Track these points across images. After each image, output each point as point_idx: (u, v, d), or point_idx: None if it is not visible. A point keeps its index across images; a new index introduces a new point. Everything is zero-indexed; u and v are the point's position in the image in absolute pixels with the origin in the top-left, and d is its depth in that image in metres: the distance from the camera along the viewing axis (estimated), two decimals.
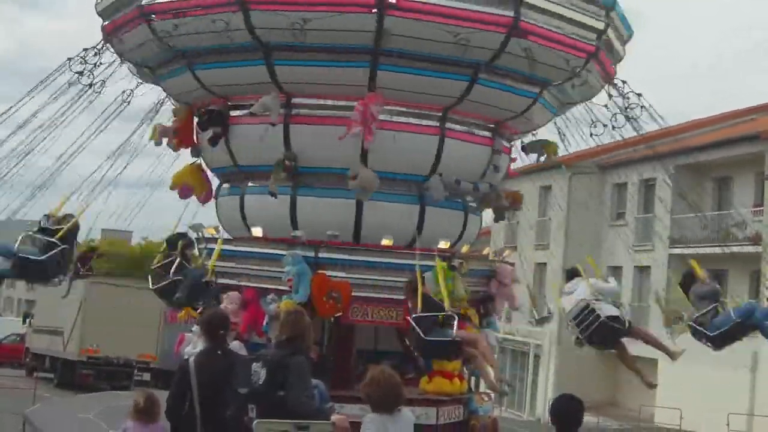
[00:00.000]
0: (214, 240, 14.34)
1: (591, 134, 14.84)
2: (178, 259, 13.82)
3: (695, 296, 12.71)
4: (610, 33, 13.56)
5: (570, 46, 12.96)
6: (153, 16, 13.00)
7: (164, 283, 13.87)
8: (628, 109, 14.34)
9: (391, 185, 13.24)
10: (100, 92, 14.55)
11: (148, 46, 13.39)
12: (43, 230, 12.76)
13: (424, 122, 13.49)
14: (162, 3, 13.03)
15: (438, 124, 13.48)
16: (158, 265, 14.20)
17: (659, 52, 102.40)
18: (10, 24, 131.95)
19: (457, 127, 13.67)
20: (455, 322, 11.43)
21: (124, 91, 15.04)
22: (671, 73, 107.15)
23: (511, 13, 12.35)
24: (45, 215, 13.09)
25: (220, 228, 14.70)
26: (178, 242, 14.08)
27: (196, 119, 14.25)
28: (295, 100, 13.25)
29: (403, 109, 13.25)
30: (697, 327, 12.16)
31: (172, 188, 14.78)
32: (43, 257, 12.51)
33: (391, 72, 12.71)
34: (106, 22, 13.99)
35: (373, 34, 12.22)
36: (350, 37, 12.28)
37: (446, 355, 12.03)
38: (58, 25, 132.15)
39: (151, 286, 14.18)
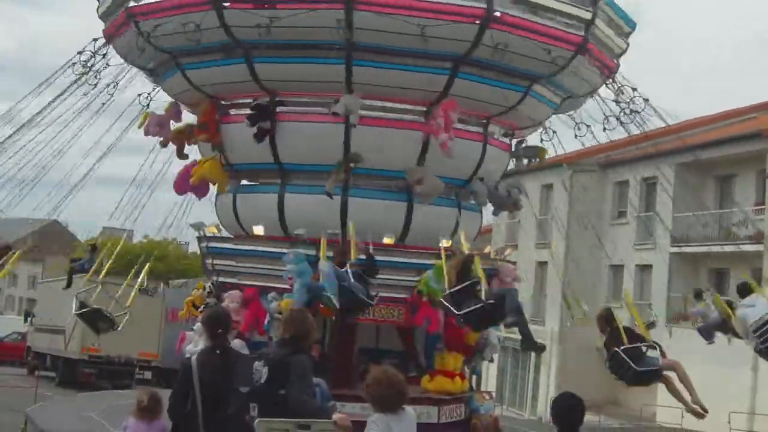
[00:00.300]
0: (215, 239, 14.35)
1: (604, 129, 14.75)
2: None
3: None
4: (602, 24, 13.36)
5: (552, 37, 12.85)
6: (137, 17, 13.12)
7: None
8: (630, 103, 14.32)
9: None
10: (112, 96, 14.64)
11: (139, 47, 13.44)
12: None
13: (470, 128, 13.71)
14: (143, 4, 13.14)
15: (481, 130, 13.74)
16: None
17: (661, 49, 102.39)
18: (11, 23, 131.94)
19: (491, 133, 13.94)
20: (659, 350, 11.73)
21: (140, 95, 15.20)
22: (673, 70, 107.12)
23: (484, 5, 12.30)
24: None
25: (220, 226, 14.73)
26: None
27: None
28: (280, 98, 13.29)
29: (389, 105, 13.31)
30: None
31: (193, 183, 14.47)
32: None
33: (367, 67, 12.70)
34: (133, 3, 13.92)
35: (469, 44, 12.29)
36: (321, 33, 12.25)
37: (651, 382, 12.41)
38: (62, 22, 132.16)
39: None
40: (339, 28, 12.06)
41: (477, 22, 12.26)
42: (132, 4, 13.21)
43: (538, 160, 15.89)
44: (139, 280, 15.69)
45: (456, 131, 13.13)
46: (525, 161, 15.91)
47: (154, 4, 12.97)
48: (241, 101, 13.72)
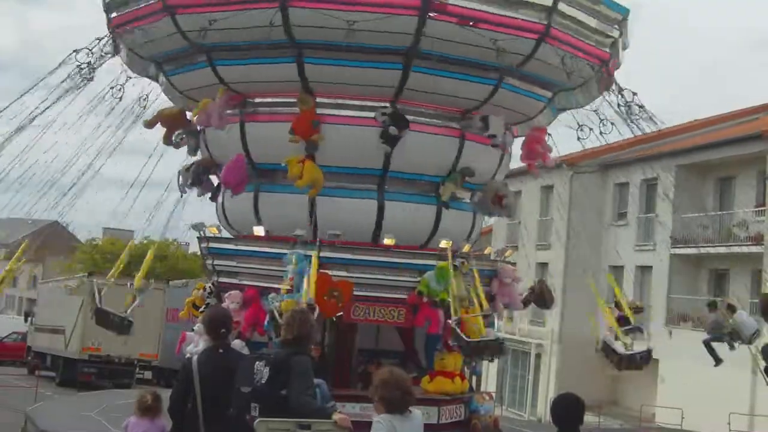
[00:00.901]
0: (216, 239, 14.37)
1: (601, 133, 14.69)
2: None
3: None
4: (569, 9, 13.16)
5: (591, 54, 12.92)
6: (177, 10, 13.01)
7: None
8: (628, 106, 14.29)
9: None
10: (121, 97, 14.66)
11: (167, 40, 13.30)
12: None
13: (448, 124, 13.64)
14: (119, 16, 13.22)
15: (459, 127, 13.61)
16: None
17: (663, 51, 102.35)
18: (13, 20, 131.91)
19: (417, 118, 13.54)
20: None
21: (141, 96, 15.19)
22: (674, 71, 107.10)
23: (544, 21, 12.42)
24: None
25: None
26: None
27: None
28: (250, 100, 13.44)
29: (431, 111, 13.38)
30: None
31: (303, 185, 14.34)
32: None
33: (319, 65, 12.75)
34: (114, 15, 13.92)
35: (412, 36, 12.26)
36: (390, 38, 12.32)
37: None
38: (65, 20, 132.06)
39: None
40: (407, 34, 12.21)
41: (535, 36, 12.42)
42: (114, 14, 13.36)
43: None
44: (135, 282, 15.69)
45: (428, 127, 13.34)
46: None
47: (127, 14, 13.12)
48: (269, 100, 13.70)
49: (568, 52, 13.26)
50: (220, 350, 7.73)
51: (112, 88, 14.47)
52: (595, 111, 14.89)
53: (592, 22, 13.63)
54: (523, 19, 12.70)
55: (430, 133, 13.53)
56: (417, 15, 12.17)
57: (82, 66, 14.09)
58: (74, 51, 14.22)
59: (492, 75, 13.29)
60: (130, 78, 14.66)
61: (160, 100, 15.27)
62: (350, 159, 13.23)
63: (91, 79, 14.27)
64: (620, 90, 14.36)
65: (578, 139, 15.04)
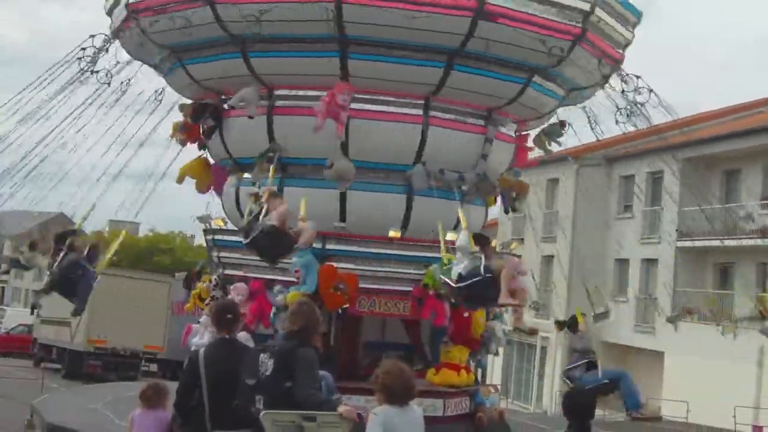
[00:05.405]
0: (222, 231, 14.39)
1: (616, 122, 14.65)
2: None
3: (570, 348, 13.32)
4: (602, 14, 13.19)
5: (548, 28, 12.74)
6: (138, 14, 13.15)
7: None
8: (635, 93, 14.25)
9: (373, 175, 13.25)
10: (125, 92, 14.67)
11: (143, 44, 13.49)
12: None
13: (407, 110, 13.30)
14: (142, 1, 13.18)
15: (421, 113, 13.35)
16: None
17: (670, 44, 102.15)
18: (22, 14, 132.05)
19: (444, 115, 13.49)
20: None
21: (157, 91, 15.20)
22: (682, 64, 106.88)
23: (580, 24, 12.44)
24: None
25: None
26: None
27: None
28: (278, 92, 13.29)
29: (385, 98, 13.16)
30: (567, 380, 12.72)
31: (178, 182, 14.87)
32: None
33: (363, 60, 12.69)
34: (111, 22, 14.06)
35: (463, 37, 12.26)
36: (441, 37, 12.30)
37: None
38: (73, 15, 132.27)
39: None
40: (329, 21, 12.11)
41: (471, 14, 12.20)
42: (132, 0, 13.29)
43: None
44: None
45: (453, 123, 13.27)
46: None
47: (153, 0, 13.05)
48: (297, 93, 13.55)
49: (597, 56, 13.36)
50: (227, 343, 7.74)
51: (97, 71, 14.42)
52: (588, 108, 14.98)
53: (617, 27, 13.79)
54: (561, 22, 12.74)
55: (456, 129, 13.52)
56: (471, 16, 12.19)
57: (86, 57, 14.12)
58: (90, 36, 14.30)
59: (522, 74, 13.34)
60: (119, 63, 14.63)
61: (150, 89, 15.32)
62: (384, 154, 13.19)
63: (94, 65, 14.28)
64: (634, 84, 14.36)
65: (592, 129, 15.09)
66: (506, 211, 16.16)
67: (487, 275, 11.25)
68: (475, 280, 11.30)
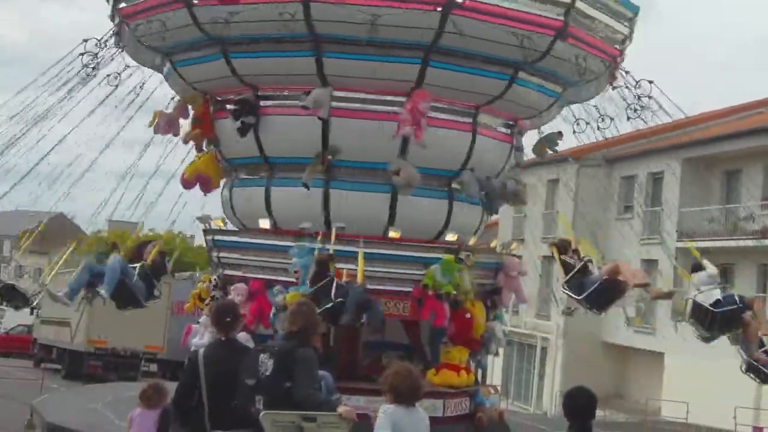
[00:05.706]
0: (221, 231, 14.37)
1: (628, 118, 14.66)
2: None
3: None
4: (586, 8, 13.08)
5: (603, 51, 12.91)
6: (128, 18, 13.14)
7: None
8: (636, 91, 14.25)
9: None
10: (116, 86, 14.63)
11: (181, 31, 13.20)
12: None
13: (459, 119, 13.55)
14: (130, 6, 13.18)
15: (471, 120, 13.55)
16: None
17: (670, 43, 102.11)
18: (22, 14, 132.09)
19: (487, 124, 13.82)
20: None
21: (140, 84, 15.14)
22: (682, 64, 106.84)
23: (562, 18, 12.48)
24: None
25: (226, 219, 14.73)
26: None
27: (212, 108, 14.15)
28: (336, 93, 13.11)
29: (440, 105, 13.22)
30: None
31: (188, 179, 14.47)
32: None
33: (442, 69, 12.74)
34: (123, 5, 13.86)
35: (434, 32, 12.22)
36: (411, 33, 12.27)
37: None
38: (73, 15, 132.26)
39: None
40: (429, 29, 12.18)
41: (438, 9, 12.18)
42: (122, 5, 13.34)
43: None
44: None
45: (441, 121, 13.20)
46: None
47: (139, 4, 13.13)
48: (282, 93, 13.62)
49: (583, 50, 13.27)
50: (227, 343, 7.72)
51: (108, 75, 14.47)
52: (595, 106, 14.97)
53: (607, 20, 13.64)
54: (541, 15, 12.65)
55: (442, 127, 13.44)
56: (440, 11, 12.14)
57: (88, 57, 14.10)
58: (84, 40, 14.28)
59: (506, 71, 13.25)
60: (129, 67, 14.65)
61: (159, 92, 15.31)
62: (365, 153, 13.17)
63: (96, 69, 14.27)
64: (636, 82, 14.35)
65: (573, 132, 15.20)
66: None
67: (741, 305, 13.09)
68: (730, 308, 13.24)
